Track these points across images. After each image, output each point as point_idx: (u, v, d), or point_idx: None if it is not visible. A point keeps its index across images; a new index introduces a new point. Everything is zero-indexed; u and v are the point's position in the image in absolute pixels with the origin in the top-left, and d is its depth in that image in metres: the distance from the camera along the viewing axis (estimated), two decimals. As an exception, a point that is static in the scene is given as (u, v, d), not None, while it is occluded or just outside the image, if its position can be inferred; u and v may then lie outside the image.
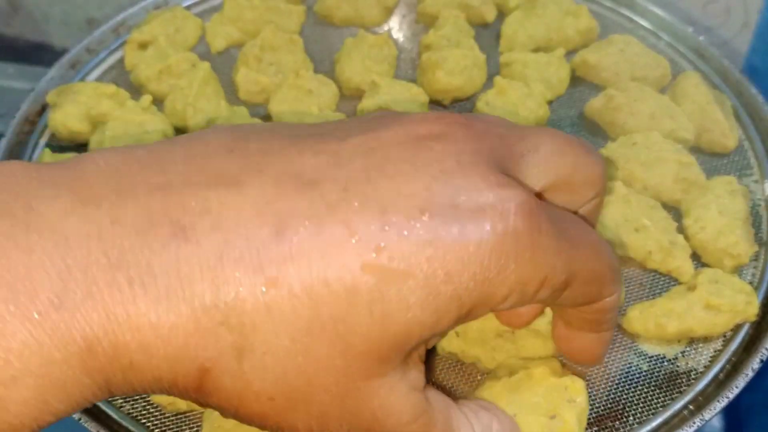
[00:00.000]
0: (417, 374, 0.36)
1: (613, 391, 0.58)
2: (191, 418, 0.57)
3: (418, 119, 0.36)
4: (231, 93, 0.79)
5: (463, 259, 0.32)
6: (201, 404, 0.34)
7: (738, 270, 0.65)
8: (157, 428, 0.56)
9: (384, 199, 0.32)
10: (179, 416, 0.57)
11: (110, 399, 0.58)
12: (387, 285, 0.32)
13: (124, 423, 0.57)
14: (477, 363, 0.57)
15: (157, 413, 0.57)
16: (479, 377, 0.57)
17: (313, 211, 0.31)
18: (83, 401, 0.32)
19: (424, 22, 0.87)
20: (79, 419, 0.55)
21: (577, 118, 0.78)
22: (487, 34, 0.86)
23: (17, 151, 0.73)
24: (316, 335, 0.31)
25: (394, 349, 0.33)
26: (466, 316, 0.35)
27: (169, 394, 0.33)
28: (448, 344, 0.56)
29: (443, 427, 0.38)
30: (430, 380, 0.55)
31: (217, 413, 0.53)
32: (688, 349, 0.61)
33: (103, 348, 0.30)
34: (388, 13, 0.87)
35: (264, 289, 0.30)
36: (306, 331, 0.31)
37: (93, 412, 0.56)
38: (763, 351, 0.59)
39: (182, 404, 0.55)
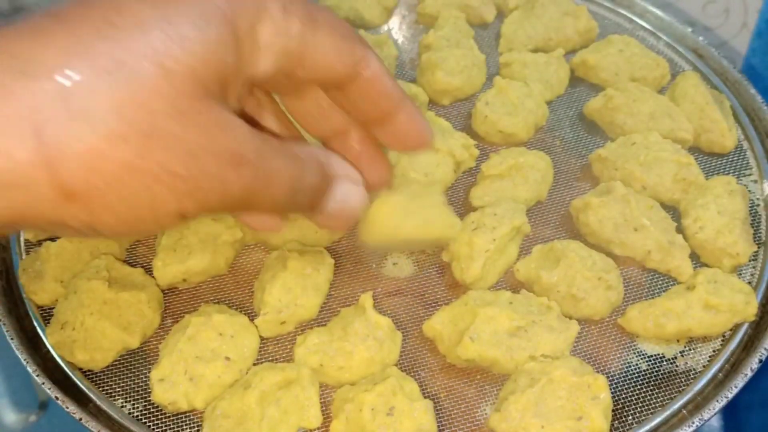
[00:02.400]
0: (240, 113, 0.40)
1: (612, 390, 0.58)
2: (191, 418, 0.57)
3: None
4: (231, 93, 0.79)
5: None
6: (76, 199, 0.34)
7: (737, 270, 0.65)
8: (157, 428, 0.57)
9: None
10: (179, 416, 0.57)
11: (111, 399, 0.58)
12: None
13: (125, 423, 0.57)
14: (495, 366, 0.58)
15: (157, 413, 0.57)
16: (497, 390, 0.58)
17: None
18: None
19: (423, 23, 0.87)
20: (80, 419, 0.55)
21: (577, 118, 0.78)
22: (487, 34, 0.86)
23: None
24: (131, 65, 0.34)
25: (208, 77, 0.37)
26: (244, 35, 0.39)
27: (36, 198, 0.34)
28: (465, 351, 0.56)
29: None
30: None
31: (218, 411, 0.54)
32: (686, 348, 0.61)
33: None
34: (388, 13, 0.88)
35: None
36: (120, 62, 0.34)
37: (93, 413, 0.56)
38: (762, 351, 0.59)
39: (183, 404, 0.55)
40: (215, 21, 0.38)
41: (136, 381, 0.59)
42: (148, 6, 0.36)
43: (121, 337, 0.58)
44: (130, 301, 0.59)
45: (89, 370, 0.59)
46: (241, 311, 0.61)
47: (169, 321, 0.62)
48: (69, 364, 0.59)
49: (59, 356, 0.59)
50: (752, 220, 0.68)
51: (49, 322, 0.61)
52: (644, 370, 0.60)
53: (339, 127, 0.51)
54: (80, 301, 0.59)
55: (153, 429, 0.57)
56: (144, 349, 0.60)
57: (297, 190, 0.44)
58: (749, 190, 0.70)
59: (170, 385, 0.55)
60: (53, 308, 0.62)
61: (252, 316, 0.60)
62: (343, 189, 0.49)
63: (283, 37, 0.42)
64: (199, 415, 0.56)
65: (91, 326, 0.58)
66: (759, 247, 0.66)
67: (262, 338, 0.60)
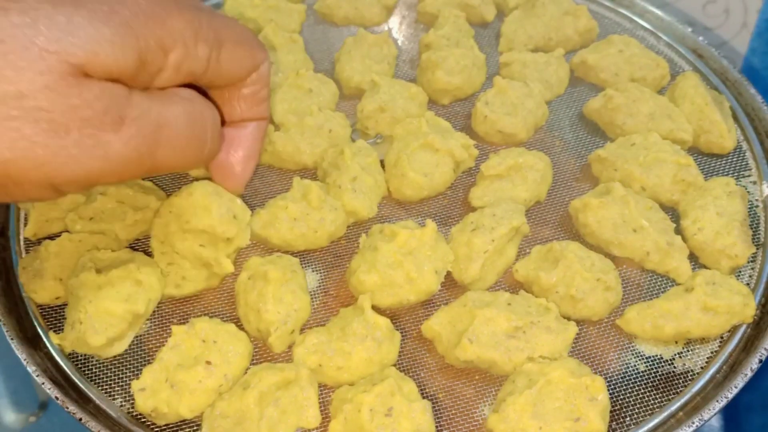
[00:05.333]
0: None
1: (610, 391, 0.58)
2: (191, 418, 0.57)
3: None
4: (231, 92, 0.79)
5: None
6: None
7: (735, 271, 0.65)
8: (157, 428, 0.57)
9: None
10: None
11: (111, 399, 0.58)
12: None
13: (125, 423, 0.57)
14: (493, 368, 0.58)
15: (157, 413, 0.57)
16: (495, 390, 0.58)
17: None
18: None
19: (424, 22, 0.87)
20: (80, 419, 0.55)
21: (576, 118, 0.78)
22: (487, 33, 0.86)
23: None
24: (8, 42, 0.39)
25: (90, 66, 0.41)
26: (147, 52, 0.44)
27: None
28: (463, 353, 0.57)
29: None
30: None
31: (217, 411, 0.54)
32: (685, 350, 0.61)
33: None
34: (389, 12, 0.88)
35: None
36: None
37: (93, 413, 0.56)
38: (762, 351, 0.59)
39: (165, 410, 0.55)
40: (118, 30, 0.43)
41: (136, 381, 0.59)
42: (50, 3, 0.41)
43: (127, 308, 0.58)
44: (121, 275, 0.59)
45: (89, 370, 0.60)
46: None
47: (174, 321, 0.62)
48: (70, 363, 0.60)
49: (81, 354, 0.60)
50: (751, 222, 0.68)
51: (48, 322, 0.62)
52: (642, 372, 0.60)
53: (243, 118, 0.58)
54: (77, 296, 0.59)
55: (153, 429, 0.57)
56: (144, 349, 0.61)
57: (200, 127, 0.50)
58: (748, 192, 0.70)
59: (150, 393, 0.55)
60: (53, 307, 0.63)
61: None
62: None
63: (191, 60, 0.48)
64: (198, 416, 0.56)
65: (94, 312, 0.58)
66: (758, 249, 0.66)
67: (260, 340, 0.60)
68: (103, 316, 0.58)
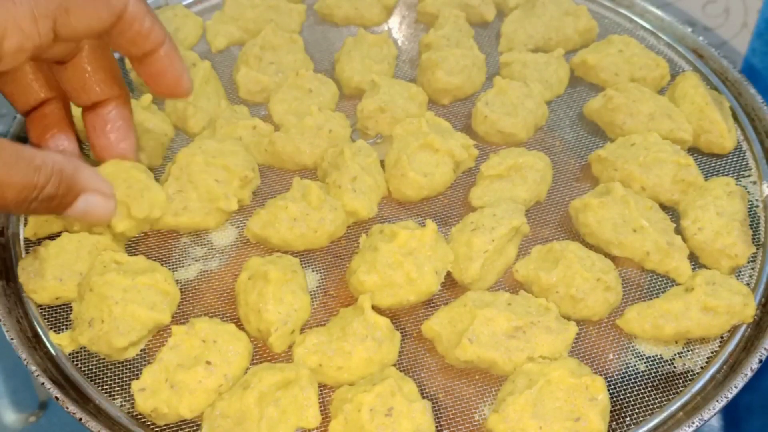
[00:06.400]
0: None
1: (610, 391, 0.58)
2: (191, 418, 0.57)
3: None
4: (232, 91, 0.79)
5: None
6: None
7: (735, 271, 0.65)
8: (157, 428, 0.57)
9: None
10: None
11: (111, 399, 0.58)
12: None
13: (125, 423, 0.57)
14: (493, 368, 0.58)
15: (157, 413, 0.57)
16: (495, 390, 0.58)
17: None
18: None
19: (424, 22, 0.87)
20: (80, 419, 0.55)
21: (576, 118, 0.78)
22: (487, 33, 0.86)
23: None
24: None
25: None
26: None
27: None
28: (464, 353, 0.57)
29: None
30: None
31: (217, 411, 0.54)
32: (684, 350, 0.61)
33: None
34: (389, 12, 0.88)
35: None
36: None
37: (93, 413, 0.56)
38: (762, 351, 0.59)
39: (165, 410, 0.55)
40: None
41: (136, 381, 0.59)
42: None
43: (152, 317, 0.59)
44: (148, 283, 0.60)
45: (89, 370, 0.60)
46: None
47: (174, 321, 0.62)
48: (70, 363, 0.60)
49: (95, 352, 0.59)
50: (751, 222, 0.68)
51: (48, 322, 0.62)
52: (642, 372, 0.60)
53: (98, 97, 0.61)
54: (101, 295, 0.59)
55: (153, 429, 0.57)
56: (144, 349, 0.61)
57: (30, 199, 0.51)
58: (748, 191, 0.70)
59: (150, 393, 0.55)
60: (53, 307, 0.63)
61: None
62: (88, 201, 0.56)
63: (31, 39, 0.50)
64: (198, 416, 0.56)
65: (119, 314, 0.58)
66: (758, 249, 0.66)
67: (260, 340, 0.60)
68: (128, 319, 0.58)
